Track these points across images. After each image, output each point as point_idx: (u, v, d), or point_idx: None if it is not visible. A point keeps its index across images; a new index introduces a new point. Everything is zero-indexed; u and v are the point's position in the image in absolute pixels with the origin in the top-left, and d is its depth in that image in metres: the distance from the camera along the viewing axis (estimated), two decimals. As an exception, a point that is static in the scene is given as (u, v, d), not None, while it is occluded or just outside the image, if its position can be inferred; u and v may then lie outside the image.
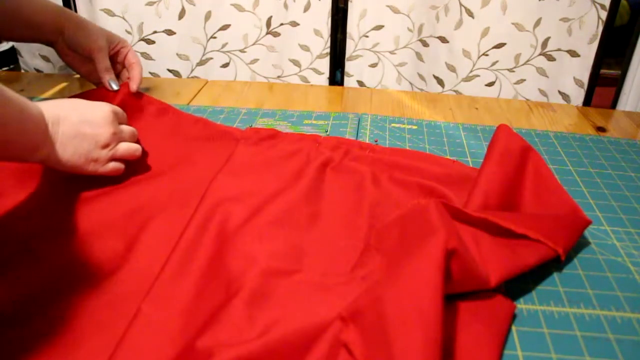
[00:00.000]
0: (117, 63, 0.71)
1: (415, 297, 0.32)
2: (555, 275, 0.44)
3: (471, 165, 0.61)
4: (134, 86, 0.67)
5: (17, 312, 0.37)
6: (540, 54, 0.86)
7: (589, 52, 0.84)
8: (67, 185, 0.52)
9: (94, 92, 0.68)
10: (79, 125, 0.49)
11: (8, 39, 0.68)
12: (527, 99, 0.89)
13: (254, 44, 0.92)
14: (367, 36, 0.91)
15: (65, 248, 0.44)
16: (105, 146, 0.51)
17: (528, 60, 0.87)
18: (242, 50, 0.93)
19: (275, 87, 0.88)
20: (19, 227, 0.47)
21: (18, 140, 0.43)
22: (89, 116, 0.50)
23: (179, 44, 0.93)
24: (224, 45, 0.92)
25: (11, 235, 0.46)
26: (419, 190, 0.53)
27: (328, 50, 0.92)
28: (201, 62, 0.94)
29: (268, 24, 0.90)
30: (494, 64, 0.87)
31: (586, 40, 0.84)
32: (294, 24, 0.90)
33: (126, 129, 0.55)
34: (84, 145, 0.49)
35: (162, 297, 0.38)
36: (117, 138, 0.53)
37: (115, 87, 0.67)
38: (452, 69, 0.89)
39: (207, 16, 0.90)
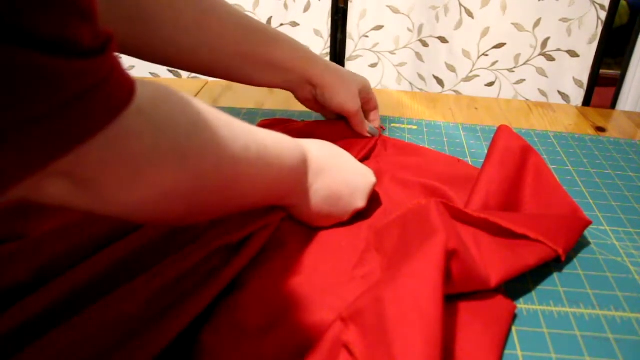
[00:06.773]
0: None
1: (416, 297, 0.32)
2: (555, 275, 0.44)
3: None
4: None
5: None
6: (539, 54, 0.86)
7: (589, 52, 0.85)
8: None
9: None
10: (338, 186, 0.44)
11: (238, 81, 0.56)
12: (527, 99, 0.89)
13: (253, 44, 0.92)
14: (367, 36, 0.91)
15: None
16: (349, 215, 0.46)
17: (528, 61, 0.87)
18: (242, 51, 0.93)
19: (275, 87, 0.88)
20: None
21: (267, 192, 0.39)
22: (353, 180, 0.45)
23: (179, 44, 0.93)
24: (223, 46, 0.93)
25: None
26: (421, 190, 0.53)
27: (328, 50, 0.92)
28: (201, 62, 0.94)
29: (268, 24, 0.90)
30: (493, 64, 0.87)
31: (586, 41, 0.84)
32: (294, 24, 0.90)
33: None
34: (333, 209, 0.45)
35: None
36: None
37: (376, 132, 0.62)
38: (452, 69, 0.89)
39: (207, 16, 0.90)
